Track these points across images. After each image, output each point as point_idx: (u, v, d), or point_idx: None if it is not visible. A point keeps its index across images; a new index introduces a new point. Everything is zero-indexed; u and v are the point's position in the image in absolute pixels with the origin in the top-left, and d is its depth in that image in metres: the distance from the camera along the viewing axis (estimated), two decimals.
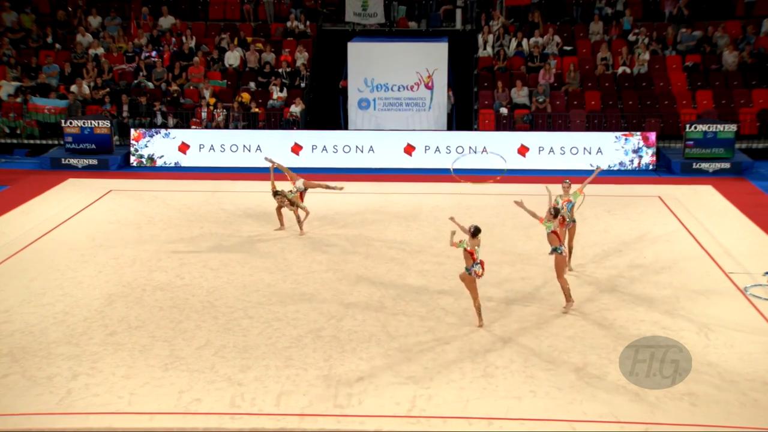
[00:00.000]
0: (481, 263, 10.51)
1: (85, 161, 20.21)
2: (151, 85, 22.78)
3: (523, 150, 20.31)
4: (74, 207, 16.60)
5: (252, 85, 22.90)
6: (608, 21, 24.30)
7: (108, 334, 10.72)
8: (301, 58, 23.45)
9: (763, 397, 9.16)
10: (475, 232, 10.39)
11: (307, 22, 24.97)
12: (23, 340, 10.51)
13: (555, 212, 11.11)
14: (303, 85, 23.07)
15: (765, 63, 22.73)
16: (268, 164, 15.37)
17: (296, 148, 20.36)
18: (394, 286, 12.17)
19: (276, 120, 21.75)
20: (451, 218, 10.96)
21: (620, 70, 22.87)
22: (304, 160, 20.35)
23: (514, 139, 20.45)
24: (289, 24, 24.86)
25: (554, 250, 11.17)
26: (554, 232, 11.04)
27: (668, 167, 20.03)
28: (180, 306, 11.64)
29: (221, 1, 25.75)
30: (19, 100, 22.07)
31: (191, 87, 22.63)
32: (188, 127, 21.49)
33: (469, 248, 10.37)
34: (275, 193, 14.70)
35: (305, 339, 10.57)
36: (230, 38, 24.15)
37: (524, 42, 23.63)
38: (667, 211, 16.39)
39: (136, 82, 22.85)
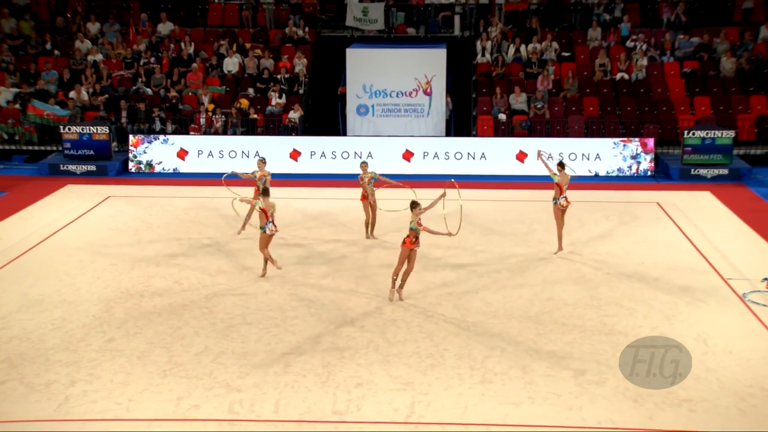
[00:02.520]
0: (274, 223, 12.58)
1: (84, 167, 20.19)
2: (149, 91, 22.79)
3: (521, 156, 20.32)
4: (73, 213, 16.59)
5: (251, 91, 22.91)
6: (606, 27, 24.34)
7: (106, 340, 10.71)
8: (300, 64, 23.47)
9: (762, 403, 9.15)
10: (264, 192, 12.70)
11: (306, 29, 24.99)
12: (21, 347, 10.49)
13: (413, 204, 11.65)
14: (301, 91, 23.09)
15: (763, 69, 22.78)
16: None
17: (295, 154, 20.38)
18: None
19: (274, 126, 21.76)
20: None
21: (618, 76, 22.91)
22: (303, 167, 20.37)
23: (513, 145, 20.48)
24: (287, 30, 24.88)
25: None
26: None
27: (666, 173, 20.04)
28: (178, 312, 11.63)
29: (220, 8, 25.79)
30: (17, 106, 22.07)
31: (190, 93, 22.64)
32: (187, 133, 21.48)
33: (263, 207, 12.52)
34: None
35: (303, 345, 10.56)
36: (229, 44, 24.16)
37: (522, 48, 23.68)
38: (665, 217, 16.40)
39: (134, 88, 22.86)
